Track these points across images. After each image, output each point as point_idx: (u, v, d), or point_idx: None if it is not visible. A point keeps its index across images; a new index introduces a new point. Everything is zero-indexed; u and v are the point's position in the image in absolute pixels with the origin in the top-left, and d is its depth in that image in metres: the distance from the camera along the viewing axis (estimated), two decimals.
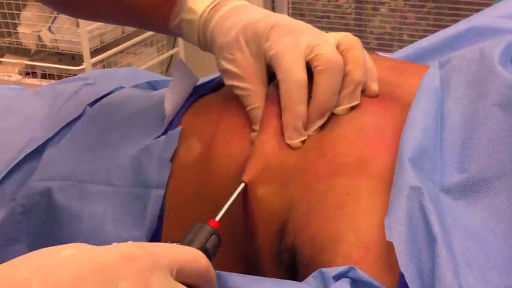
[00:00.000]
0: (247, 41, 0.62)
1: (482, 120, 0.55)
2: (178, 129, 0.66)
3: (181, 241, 0.48)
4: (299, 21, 0.63)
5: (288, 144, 0.58)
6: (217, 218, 0.51)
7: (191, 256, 0.44)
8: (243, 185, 0.56)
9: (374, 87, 0.61)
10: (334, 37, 0.61)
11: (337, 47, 0.60)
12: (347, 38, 0.61)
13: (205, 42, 0.67)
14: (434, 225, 0.47)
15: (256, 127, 0.61)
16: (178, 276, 0.42)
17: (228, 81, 0.64)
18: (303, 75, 0.59)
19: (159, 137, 0.66)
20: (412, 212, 0.48)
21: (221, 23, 0.64)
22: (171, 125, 0.67)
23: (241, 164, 0.59)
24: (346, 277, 0.47)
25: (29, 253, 0.40)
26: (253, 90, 0.62)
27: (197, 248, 0.47)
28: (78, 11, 0.78)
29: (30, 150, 0.73)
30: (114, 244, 0.42)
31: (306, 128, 0.59)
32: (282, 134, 0.59)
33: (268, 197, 0.56)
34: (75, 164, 0.69)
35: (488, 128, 0.54)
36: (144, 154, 0.65)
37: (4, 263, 0.40)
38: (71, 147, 0.72)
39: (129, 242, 0.42)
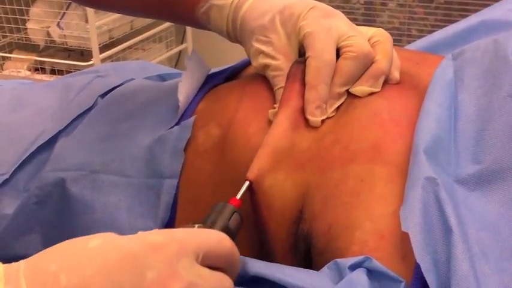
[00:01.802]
0: (283, 22, 0.63)
1: (496, 111, 0.54)
2: (192, 119, 0.66)
3: (204, 221, 0.48)
4: (336, 10, 0.64)
5: (304, 125, 0.58)
6: (238, 196, 0.51)
7: (216, 239, 0.44)
8: (247, 183, 0.55)
9: (396, 74, 0.62)
10: (367, 31, 0.63)
11: (369, 39, 0.62)
12: (380, 32, 0.63)
13: (233, 28, 0.67)
14: (450, 216, 0.47)
15: (277, 105, 0.61)
16: (204, 260, 0.43)
17: (261, 60, 0.64)
18: (333, 57, 0.60)
19: (172, 127, 0.66)
20: (427, 203, 0.48)
21: (254, 7, 0.65)
22: (184, 115, 0.68)
23: (258, 148, 0.59)
24: (362, 267, 0.47)
25: (57, 245, 0.41)
26: (284, 71, 0.62)
27: (220, 228, 0.47)
28: (101, 2, 0.78)
29: (42, 142, 0.73)
30: (140, 233, 0.42)
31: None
32: (300, 114, 0.59)
33: (278, 184, 0.56)
34: (89, 155, 0.69)
35: (503, 119, 0.53)
36: (157, 144, 0.65)
37: (32, 257, 0.40)
38: (83, 138, 0.72)
39: (155, 230, 0.42)
